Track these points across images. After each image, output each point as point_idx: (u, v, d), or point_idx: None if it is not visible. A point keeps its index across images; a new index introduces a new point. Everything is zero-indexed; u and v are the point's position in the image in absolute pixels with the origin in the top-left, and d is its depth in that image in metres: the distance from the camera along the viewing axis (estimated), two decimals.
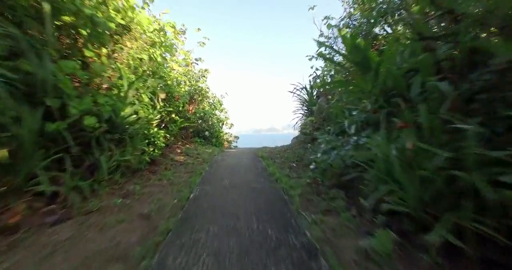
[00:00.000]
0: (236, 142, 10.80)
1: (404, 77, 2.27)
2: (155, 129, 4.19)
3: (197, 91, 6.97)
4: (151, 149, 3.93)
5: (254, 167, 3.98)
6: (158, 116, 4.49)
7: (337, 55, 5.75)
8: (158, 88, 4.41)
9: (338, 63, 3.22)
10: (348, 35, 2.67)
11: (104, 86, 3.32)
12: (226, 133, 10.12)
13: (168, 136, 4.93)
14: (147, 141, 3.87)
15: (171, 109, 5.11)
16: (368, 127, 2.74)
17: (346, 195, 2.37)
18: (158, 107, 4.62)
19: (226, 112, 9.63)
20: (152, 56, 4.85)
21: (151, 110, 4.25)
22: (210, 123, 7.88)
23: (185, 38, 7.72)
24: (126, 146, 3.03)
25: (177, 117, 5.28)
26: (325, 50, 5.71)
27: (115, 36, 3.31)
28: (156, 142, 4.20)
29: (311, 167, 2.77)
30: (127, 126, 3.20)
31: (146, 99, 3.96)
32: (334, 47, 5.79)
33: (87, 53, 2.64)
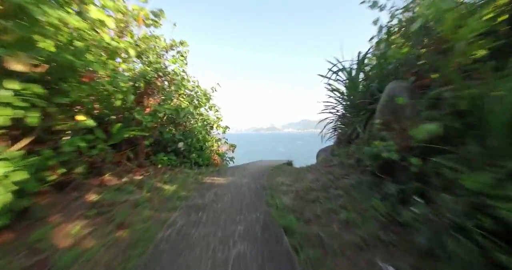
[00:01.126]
0: (233, 152, 7.83)
1: None
2: None
3: (162, 74, 4.01)
4: None
5: None
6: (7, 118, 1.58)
7: None
8: None
9: None
10: None
11: None
12: (218, 140, 7.16)
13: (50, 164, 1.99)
14: None
15: (67, 101, 2.16)
16: None
17: None
18: (6, 94, 1.70)
19: (218, 111, 6.66)
20: None
21: None
22: (189, 128, 4.93)
23: None
24: None
25: (90, 121, 2.35)
26: None
27: None
28: None
29: None
30: None
31: None
32: None
33: None
